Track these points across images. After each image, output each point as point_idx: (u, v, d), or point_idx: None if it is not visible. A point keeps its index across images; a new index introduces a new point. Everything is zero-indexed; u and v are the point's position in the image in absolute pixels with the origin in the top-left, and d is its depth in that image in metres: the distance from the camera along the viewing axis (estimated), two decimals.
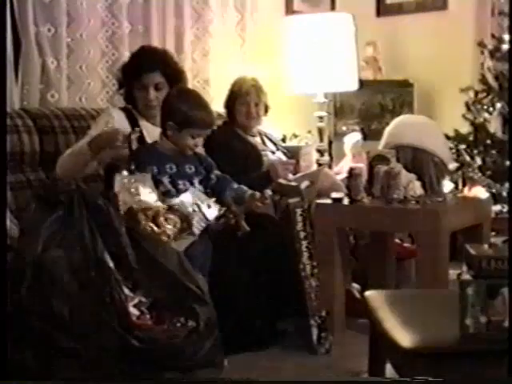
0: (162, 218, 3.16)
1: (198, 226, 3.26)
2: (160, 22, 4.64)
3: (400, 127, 4.34)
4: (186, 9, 4.78)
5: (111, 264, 2.82)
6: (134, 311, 2.82)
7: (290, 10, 5.44)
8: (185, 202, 3.26)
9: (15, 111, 3.70)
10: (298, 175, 3.97)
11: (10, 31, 3.84)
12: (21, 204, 3.47)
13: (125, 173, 3.21)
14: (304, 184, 3.77)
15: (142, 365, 2.76)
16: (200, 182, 3.45)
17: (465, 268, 1.91)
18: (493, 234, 3.87)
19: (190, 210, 3.25)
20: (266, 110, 4.30)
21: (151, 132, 3.60)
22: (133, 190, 3.16)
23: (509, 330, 1.84)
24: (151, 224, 3.14)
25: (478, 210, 3.66)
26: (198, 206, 3.30)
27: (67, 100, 4.16)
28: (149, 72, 3.66)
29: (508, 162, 4.15)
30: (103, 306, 2.76)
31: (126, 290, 2.82)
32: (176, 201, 3.26)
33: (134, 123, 3.61)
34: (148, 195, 3.21)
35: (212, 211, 3.33)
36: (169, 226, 3.17)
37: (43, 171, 3.72)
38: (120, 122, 3.59)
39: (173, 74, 3.74)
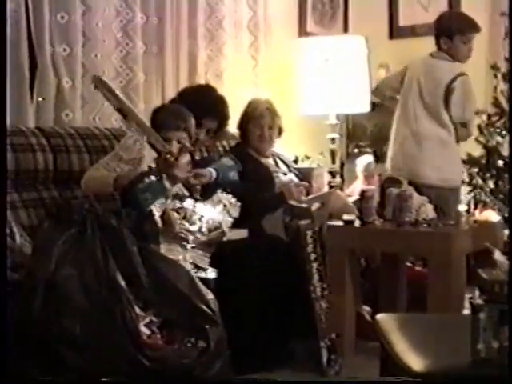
0: (195, 217, 3.23)
1: (226, 224, 3.33)
2: (174, 42, 4.66)
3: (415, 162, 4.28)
4: (200, 30, 4.81)
5: (123, 283, 2.83)
6: (144, 330, 2.82)
7: (303, 31, 5.46)
8: (214, 202, 3.35)
9: (30, 130, 3.70)
10: (310, 197, 3.97)
11: (26, 50, 3.88)
12: (34, 221, 3.48)
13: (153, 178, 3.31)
14: (315, 206, 3.77)
15: None
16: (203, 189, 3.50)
17: (477, 292, 1.91)
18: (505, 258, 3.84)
19: (220, 208, 3.33)
20: (280, 132, 4.30)
21: None
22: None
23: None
24: (185, 223, 3.21)
25: (490, 234, 3.65)
26: (224, 205, 3.37)
27: (81, 119, 4.17)
28: (212, 119, 3.87)
29: None
30: (114, 324, 2.76)
31: (137, 309, 2.83)
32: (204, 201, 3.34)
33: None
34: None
35: (235, 208, 3.44)
36: (203, 225, 3.25)
37: (56, 189, 3.73)
38: None
39: (225, 124, 4.00)
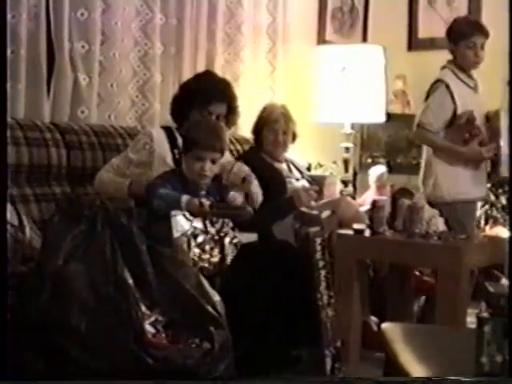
0: (208, 246, 3.21)
1: (229, 258, 3.31)
2: (192, 44, 4.68)
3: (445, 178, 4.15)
4: (219, 33, 4.83)
5: (130, 281, 2.83)
6: (149, 329, 2.82)
7: (321, 39, 5.48)
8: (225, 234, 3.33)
9: (45, 124, 3.73)
10: (320, 202, 3.97)
11: (45, 45, 3.90)
12: (45, 216, 3.50)
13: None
14: (325, 213, 3.77)
15: (155, 383, 2.76)
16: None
17: (483, 305, 1.90)
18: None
19: (227, 241, 3.31)
20: (294, 138, 4.30)
21: None
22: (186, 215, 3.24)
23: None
24: (197, 249, 3.19)
25: (500, 250, 3.63)
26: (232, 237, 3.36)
27: (96, 117, 4.19)
28: (219, 102, 3.71)
29: None
30: (120, 322, 2.76)
31: (144, 308, 2.83)
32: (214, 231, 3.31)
33: (174, 143, 3.63)
34: (196, 221, 3.28)
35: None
36: (214, 254, 3.23)
37: (69, 185, 3.75)
38: (160, 143, 3.62)
39: (235, 107, 3.82)
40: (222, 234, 3.30)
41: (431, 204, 3.88)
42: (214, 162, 3.41)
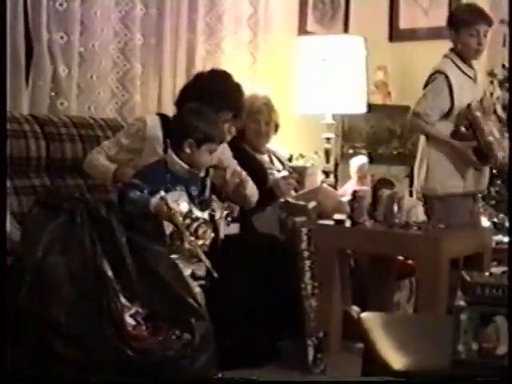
0: (201, 230, 3.19)
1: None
2: (173, 35, 4.65)
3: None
4: (199, 24, 4.80)
5: (110, 273, 2.82)
6: (130, 321, 2.82)
7: (302, 30, 5.46)
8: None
9: (23, 116, 3.70)
10: (299, 193, 3.97)
11: (22, 36, 3.87)
12: (24, 209, 3.48)
13: (162, 193, 3.22)
14: (312, 204, 3.77)
15: (136, 375, 2.76)
16: (199, 203, 3.44)
17: (460, 294, 1.92)
18: (494, 263, 3.85)
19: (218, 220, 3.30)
20: (277, 129, 4.29)
21: None
22: (173, 205, 3.19)
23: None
24: (192, 238, 3.17)
25: (479, 239, 3.66)
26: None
27: (76, 108, 4.17)
28: (228, 111, 3.63)
29: None
30: (100, 314, 2.76)
31: (123, 300, 2.82)
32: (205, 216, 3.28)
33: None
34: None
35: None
36: (207, 236, 3.21)
37: (48, 177, 3.73)
38: (153, 129, 3.55)
39: (239, 116, 3.75)
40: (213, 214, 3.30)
41: (424, 196, 3.86)
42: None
